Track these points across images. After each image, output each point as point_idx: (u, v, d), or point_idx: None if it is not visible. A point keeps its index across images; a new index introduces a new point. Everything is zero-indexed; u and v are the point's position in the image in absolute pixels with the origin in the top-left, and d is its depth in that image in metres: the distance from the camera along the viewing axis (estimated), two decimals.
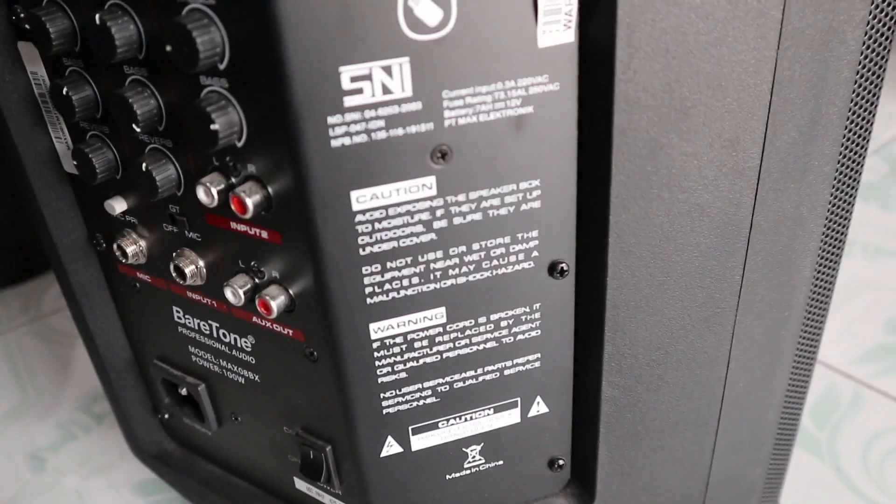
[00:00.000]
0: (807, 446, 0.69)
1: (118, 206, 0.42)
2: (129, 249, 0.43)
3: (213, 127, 0.32)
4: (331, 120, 0.31)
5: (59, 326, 0.90)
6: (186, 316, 0.44)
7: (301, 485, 0.47)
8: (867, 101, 0.41)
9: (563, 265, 0.39)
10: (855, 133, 0.41)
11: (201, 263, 0.40)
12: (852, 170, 0.43)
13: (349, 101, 0.31)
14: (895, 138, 1.14)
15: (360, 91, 0.31)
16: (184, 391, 0.49)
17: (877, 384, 0.75)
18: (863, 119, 0.41)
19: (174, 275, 0.41)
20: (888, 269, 0.90)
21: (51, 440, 0.74)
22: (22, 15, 0.38)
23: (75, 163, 0.40)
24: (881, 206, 1.00)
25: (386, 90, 0.31)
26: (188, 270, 0.40)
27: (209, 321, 0.43)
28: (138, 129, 0.35)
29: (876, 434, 0.70)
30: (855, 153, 0.42)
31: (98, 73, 0.38)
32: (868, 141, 0.43)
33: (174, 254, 0.41)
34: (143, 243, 0.43)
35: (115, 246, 0.43)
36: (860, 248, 0.93)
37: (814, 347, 0.51)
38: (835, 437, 0.70)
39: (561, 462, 0.46)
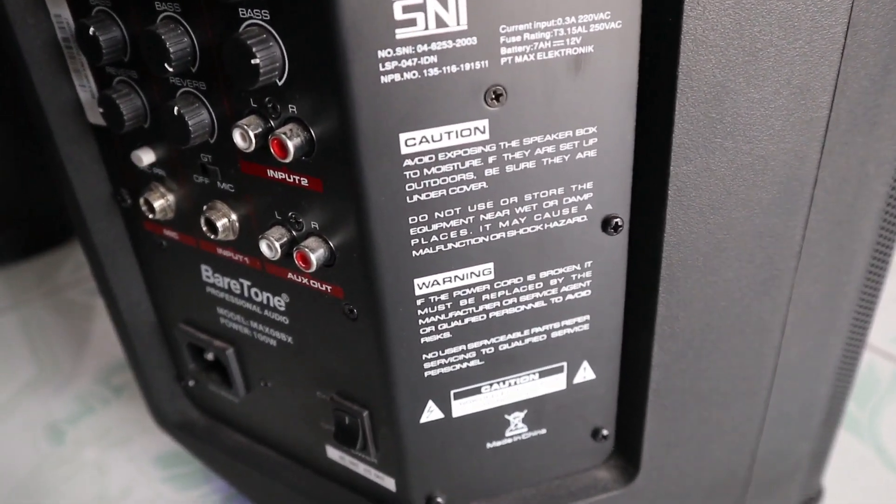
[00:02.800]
0: (847, 425, 0.67)
1: (146, 157, 0.39)
2: (157, 204, 0.40)
3: (254, 62, 0.30)
4: (381, 54, 0.29)
5: (75, 299, 0.89)
6: (216, 275, 0.42)
7: (333, 453, 0.45)
8: None
9: (618, 220, 0.36)
10: None
11: (234, 216, 0.38)
12: None
13: (401, 34, 0.29)
14: None
15: (412, 23, 0.29)
16: (210, 356, 0.47)
17: None
18: None
19: (205, 229, 0.39)
20: None
21: (69, 413, 0.73)
22: None
23: (101, 110, 0.38)
24: None
25: (440, 22, 0.29)
26: (220, 224, 0.38)
27: (240, 279, 0.41)
28: (171, 70, 0.33)
29: None
30: None
31: (127, 12, 0.35)
32: None
33: (205, 207, 0.39)
34: (171, 197, 0.41)
35: (141, 200, 0.41)
36: None
37: (868, 318, 0.49)
38: (875, 417, 0.68)
39: (605, 432, 0.44)
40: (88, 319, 0.85)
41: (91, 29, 0.35)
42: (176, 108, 0.34)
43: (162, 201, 0.40)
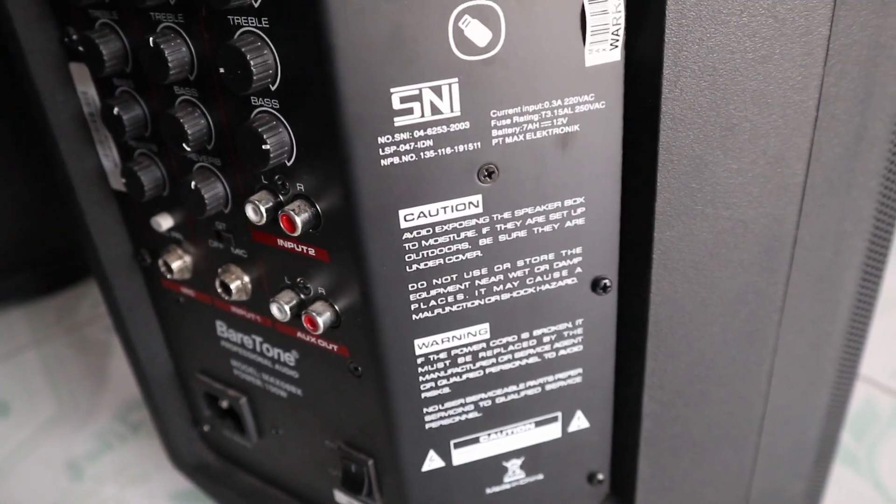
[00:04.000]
0: (846, 461, 0.68)
1: (164, 222, 0.42)
2: (175, 265, 0.43)
3: (264, 147, 0.33)
4: (381, 140, 0.32)
5: (93, 336, 0.91)
6: (230, 330, 0.45)
7: (341, 498, 0.47)
8: None
9: (606, 281, 0.39)
10: None
11: (247, 279, 0.41)
12: None
13: (399, 122, 0.32)
14: None
15: (409, 111, 0.32)
16: (225, 404, 0.50)
17: None
18: None
19: (219, 290, 0.41)
20: None
21: (88, 449, 0.75)
22: (74, 37, 0.39)
23: (124, 180, 0.41)
24: None
25: (435, 110, 0.32)
26: (234, 286, 0.41)
27: (253, 336, 0.44)
28: (189, 149, 0.36)
29: None
30: None
31: (148, 93, 0.38)
32: None
33: (220, 269, 0.41)
34: (188, 259, 0.43)
35: (160, 261, 0.43)
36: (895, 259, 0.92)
37: (855, 362, 0.51)
38: (874, 452, 0.69)
39: (600, 476, 0.46)
40: (106, 357, 0.88)
41: (115, 109, 0.38)
42: (193, 183, 0.37)
43: (179, 262, 0.43)
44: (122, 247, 0.47)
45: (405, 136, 0.32)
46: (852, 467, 0.68)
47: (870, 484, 0.66)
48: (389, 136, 0.32)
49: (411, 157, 0.32)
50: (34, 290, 0.98)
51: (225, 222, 0.40)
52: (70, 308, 0.97)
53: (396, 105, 0.31)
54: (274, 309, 0.39)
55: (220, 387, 0.48)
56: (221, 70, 0.32)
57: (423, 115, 0.32)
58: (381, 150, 0.32)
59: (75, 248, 0.97)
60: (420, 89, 0.31)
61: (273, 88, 0.32)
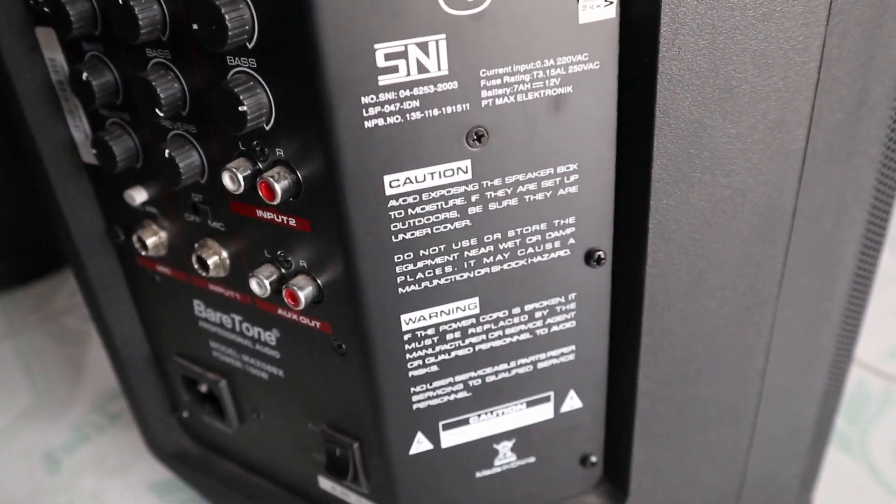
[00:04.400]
0: (838, 443, 0.67)
1: (138, 196, 0.40)
2: (150, 241, 0.41)
3: (241, 108, 0.31)
4: (364, 100, 0.30)
5: (71, 326, 0.89)
6: (208, 309, 0.43)
7: (325, 484, 0.46)
8: None
9: (600, 253, 0.37)
10: None
11: (225, 254, 0.39)
12: None
13: (384, 80, 0.30)
14: None
15: (395, 69, 0.30)
16: (204, 388, 0.48)
17: None
18: None
19: (196, 266, 0.39)
20: None
21: (65, 441, 0.73)
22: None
23: (95, 151, 0.39)
24: None
25: (422, 68, 0.30)
26: (211, 261, 0.39)
27: (232, 314, 0.42)
28: (161, 114, 0.34)
29: None
30: None
31: (119, 58, 0.36)
32: None
33: (196, 244, 0.39)
34: (163, 234, 0.41)
35: (134, 237, 0.42)
36: (887, 241, 0.91)
37: (852, 341, 0.50)
38: (866, 435, 0.68)
39: (593, 459, 0.45)
40: (84, 346, 0.86)
41: (84, 74, 0.36)
42: (167, 151, 0.35)
43: (154, 238, 0.41)
44: (94, 223, 0.45)
45: (390, 95, 0.30)
46: (845, 450, 0.67)
47: (864, 467, 0.65)
48: (373, 96, 0.30)
49: (397, 118, 0.31)
50: (10, 280, 0.96)
51: (201, 193, 0.38)
52: (47, 298, 0.94)
53: (381, 62, 0.30)
54: (253, 284, 0.37)
55: (198, 370, 0.46)
56: (195, 26, 0.30)
57: (408, 74, 0.30)
58: (364, 110, 0.30)
59: (52, 237, 0.95)
60: (406, 46, 0.30)
61: (250, 46, 0.30)
